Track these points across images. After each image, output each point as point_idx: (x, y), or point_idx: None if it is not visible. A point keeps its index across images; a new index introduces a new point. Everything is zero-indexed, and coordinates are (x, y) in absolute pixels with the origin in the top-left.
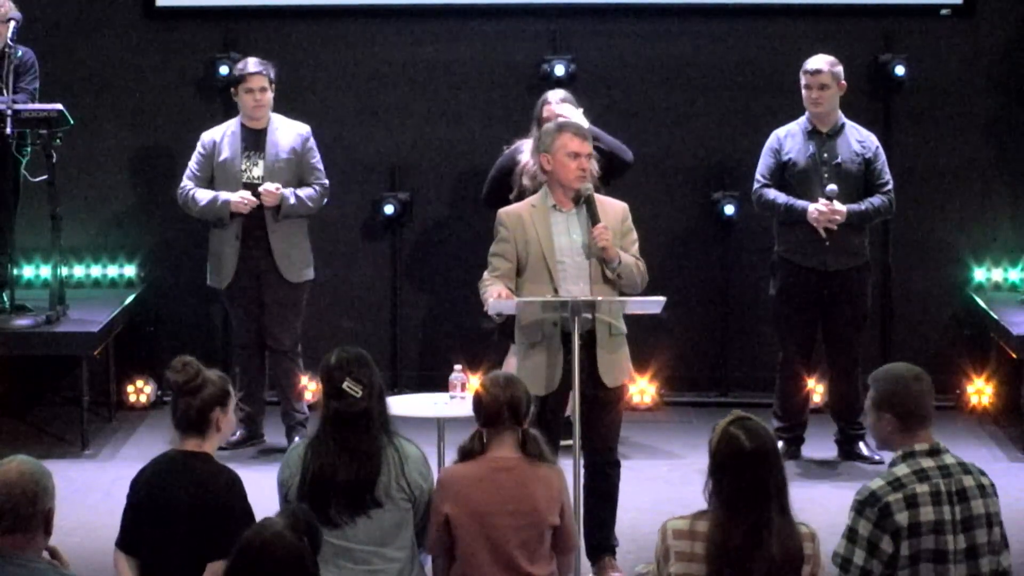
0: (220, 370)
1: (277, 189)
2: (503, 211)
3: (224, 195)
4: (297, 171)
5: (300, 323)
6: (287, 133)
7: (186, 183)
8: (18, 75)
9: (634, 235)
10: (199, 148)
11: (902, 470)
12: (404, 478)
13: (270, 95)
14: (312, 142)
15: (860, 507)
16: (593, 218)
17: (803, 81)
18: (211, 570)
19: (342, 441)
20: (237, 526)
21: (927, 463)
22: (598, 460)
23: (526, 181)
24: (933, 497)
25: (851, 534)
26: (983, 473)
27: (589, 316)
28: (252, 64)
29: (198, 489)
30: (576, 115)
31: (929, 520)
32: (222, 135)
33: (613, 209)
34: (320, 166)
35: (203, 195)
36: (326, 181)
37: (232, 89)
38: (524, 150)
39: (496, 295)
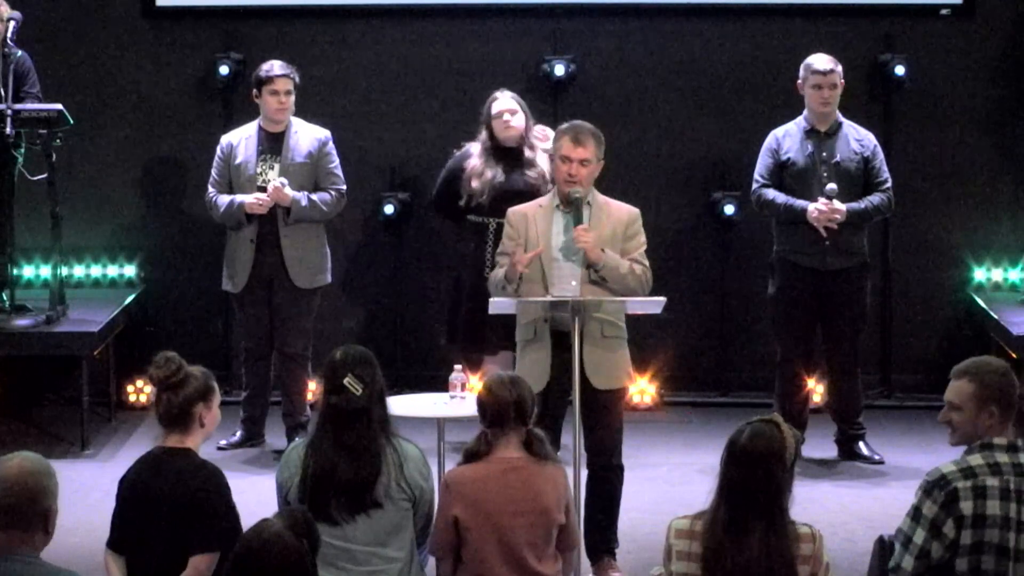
0: (221, 371)
1: (283, 186)
2: (512, 210)
3: (240, 197)
4: (313, 175)
5: (311, 327)
6: (305, 137)
7: (210, 189)
8: (18, 77)
9: (640, 240)
10: (218, 152)
11: (976, 460)
12: (404, 478)
13: (293, 99)
14: (331, 147)
15: (929, 488)
16: (577, 220)
17: (811, 81)
18: (193, 564)
19: (340, 439)
20: (219, 520)
21: (1003, 458)
22: (597, 464)
23: (475, 184)
24: (1002, 492)
25: (915, 513)
26: None
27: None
28: (279, 67)
29: (179, 484)
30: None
31: (995, 514)
32: (239, 138)
33: (618, 214)
34: (338, 172)
35: (223, 200)
36: (343, 187)
37: (255, 91)
38: (473, 153)
39: (508, 265)
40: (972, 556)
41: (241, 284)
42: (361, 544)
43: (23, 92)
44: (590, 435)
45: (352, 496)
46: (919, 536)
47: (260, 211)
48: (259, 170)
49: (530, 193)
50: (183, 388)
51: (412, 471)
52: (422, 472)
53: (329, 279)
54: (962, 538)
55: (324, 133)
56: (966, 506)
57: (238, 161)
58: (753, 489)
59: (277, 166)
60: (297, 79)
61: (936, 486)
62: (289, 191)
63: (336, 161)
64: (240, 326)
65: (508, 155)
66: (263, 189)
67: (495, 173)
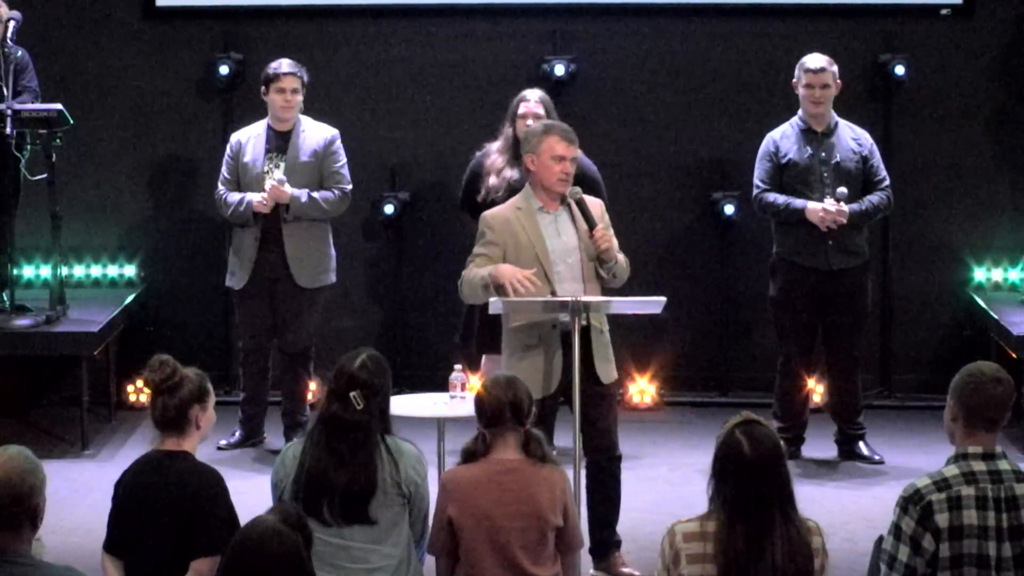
0: (221, 371)
1: (282, 183)
2: (488, 214)
3: (249, 196)
4: (318, 174)
5: (314, 327)
6: (312, 135)
7: (219, 187)
8: (17, 73)
9: (611, 229)
10: (227, 150)
11: (951, 471)
12: (399, 475)
13: (300, 98)
14: (338, 146)
15: (905, 504)
16: (589, 221)
17: (803, 80)
18: (195, 568)
19: (332, 445)
20: (219, 523)
21: (978, 466)
22: (602, 457)
23: (492, 180)
24: (978, 501)
25: (896, 531)
26: None
27: (585, 316)
28: (286, 65)
29: (178, 488)
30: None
31: (972, 524)
32: (248, 137)
33: (593, 208)
34: (344, 171)
35: (232, 198)
36: (348, 187)
37: (263, 88)
38: (492, 151)
39: (506, 277)
40: (954, 570)
41: (242, 281)
42: (358, 542)
43: (20, 86)
44: (595, 430)
45: (346, 505)
46: (903, 553)
47: (265, 210)
48: (266, 168)
49: None
50: (178, 391)
51: (407, 467)
52: (417, 469)
53: (333, 279)
54: (941, 551)
55: (332, 132)
56: (941, 518)
57: (246, 159)
58: (769, 496)
59: (283, 164)
60: (305, 78)
61: (911, 501)
62: (288, 188)
63: (343, 160)
64: (239, 324)
65: None
66: None
67: (513, 171)
